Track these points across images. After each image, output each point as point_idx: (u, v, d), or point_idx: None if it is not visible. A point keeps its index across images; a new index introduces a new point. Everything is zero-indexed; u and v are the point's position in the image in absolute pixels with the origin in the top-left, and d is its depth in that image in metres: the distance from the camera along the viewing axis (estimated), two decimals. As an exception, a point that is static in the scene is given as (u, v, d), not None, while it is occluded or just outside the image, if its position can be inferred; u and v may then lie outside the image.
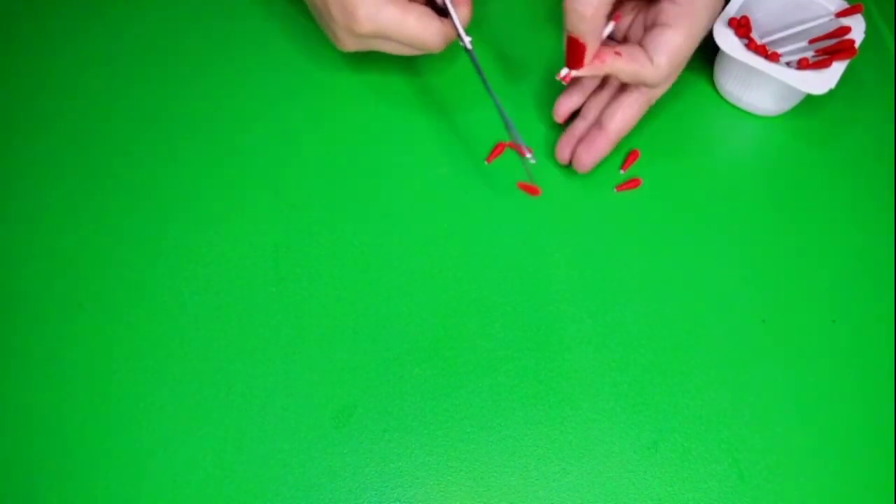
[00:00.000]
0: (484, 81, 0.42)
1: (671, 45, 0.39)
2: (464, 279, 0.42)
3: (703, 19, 0.40)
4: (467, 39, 0.42)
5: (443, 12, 0.43)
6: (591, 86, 0.45)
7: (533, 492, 0.37)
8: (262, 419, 0.38)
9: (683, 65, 0.41)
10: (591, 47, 0.38)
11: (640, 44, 0.40)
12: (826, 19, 0.46)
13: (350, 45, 0.43)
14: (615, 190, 0.45)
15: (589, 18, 0.36)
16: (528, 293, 0.42)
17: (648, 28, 0.40)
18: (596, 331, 0.41)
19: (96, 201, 0.44)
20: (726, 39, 0.44)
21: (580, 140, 0.43)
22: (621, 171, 0.46)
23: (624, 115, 0.42)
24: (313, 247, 0.43)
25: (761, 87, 0.45)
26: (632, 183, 0.45)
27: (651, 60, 0.39)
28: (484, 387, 0.39)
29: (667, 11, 0.39)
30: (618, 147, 0.45)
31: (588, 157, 0.42)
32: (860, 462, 0.38)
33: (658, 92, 0.43)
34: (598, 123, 0.43)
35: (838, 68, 0.43)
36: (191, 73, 0.49)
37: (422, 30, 0.40)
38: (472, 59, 0.42)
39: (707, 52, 0.51)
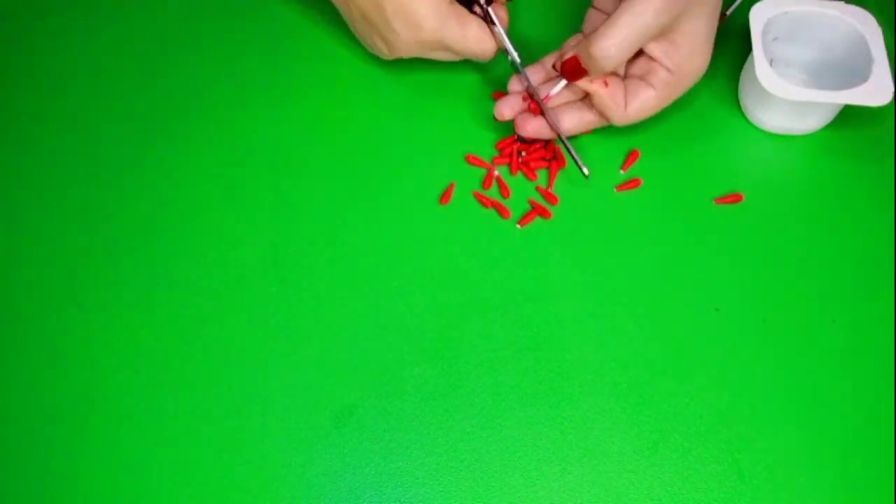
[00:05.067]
0: (537, 98, 0.44)
1: (647, 104, 0.42)
2: (464, 279, 0.42)
3: (681, 92, 0.43)
4: (515, 55, 0.44)
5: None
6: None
7: (533, 492, 0.37)
8: (262, 419, 0.38)
9: (647, 118, 0.44)
10: (591, 77, 0.42)
11: (624, 81, 0.43)
12: (845, 32, 0.45)
13: (406, 53, 0.44)
14: (615, 190, 0.45)
15: (603, 69, 0.40)
16: (529, 293, 0.42)
17: (637, 76, 0.43)
18: (596, 331, 0.41)
19: (95, 200, 0.44)
20: (771, 81, 0.43)
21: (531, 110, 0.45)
22: (621, 172, 0.46)
23: (576, 123, 0.44)
24: (313, 247, 0.43)
25: (801, 111, 0.45)
26: (632, 183, 0.45)
27: (625, 104, 0.42)
28: (484, 387, 0.39)
29: (658, 74, 0.42)
30: (618, 147, 0.46)
31: (529, 127, 0.44)
32: (860, 462, 0.38)
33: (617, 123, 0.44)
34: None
35: (885, 77, 0.42)
36: (190, 73, 0.49)
37: (479, 42, 0.43)
38: (520, 71, 0.44)
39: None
